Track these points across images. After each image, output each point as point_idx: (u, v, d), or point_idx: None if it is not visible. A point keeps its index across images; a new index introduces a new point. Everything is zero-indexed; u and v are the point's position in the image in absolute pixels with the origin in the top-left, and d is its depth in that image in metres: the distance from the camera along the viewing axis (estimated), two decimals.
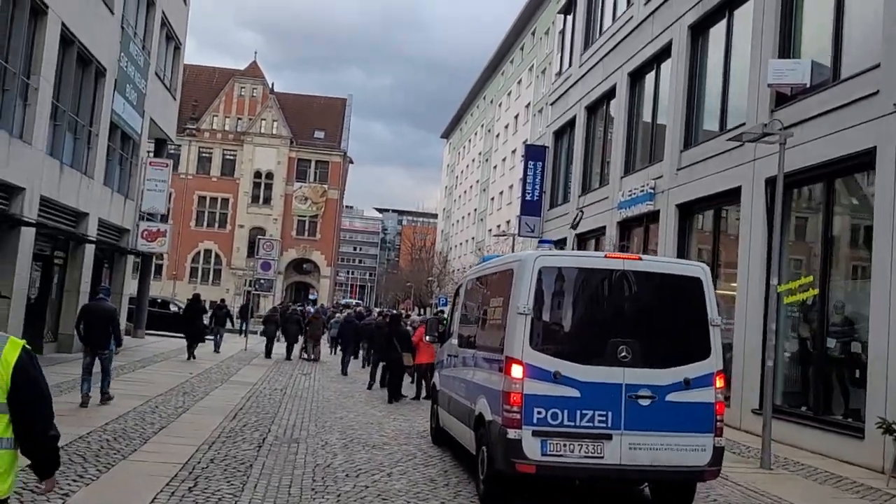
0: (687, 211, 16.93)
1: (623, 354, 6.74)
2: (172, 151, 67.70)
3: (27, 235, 14.77)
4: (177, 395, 13.20)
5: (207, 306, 25.07)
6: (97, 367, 11.49)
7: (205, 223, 66.99)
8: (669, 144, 17.60)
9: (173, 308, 31.18)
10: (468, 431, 8.04)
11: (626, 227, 20.20)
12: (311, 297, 68.24)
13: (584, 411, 6.61)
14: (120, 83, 19.79)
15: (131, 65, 20.49)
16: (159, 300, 32.40)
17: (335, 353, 26.43)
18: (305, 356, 23.68)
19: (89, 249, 18.68)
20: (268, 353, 22.97)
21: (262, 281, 26.26)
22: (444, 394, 9.74)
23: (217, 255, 66.76)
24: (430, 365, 14.40)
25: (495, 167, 64.20)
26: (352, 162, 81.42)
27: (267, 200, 67.15)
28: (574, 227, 17.53)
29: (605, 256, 7.71)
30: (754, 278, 13.47)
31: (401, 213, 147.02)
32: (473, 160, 75.71)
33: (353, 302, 67.39)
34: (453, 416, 9.01)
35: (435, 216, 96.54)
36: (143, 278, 26.54)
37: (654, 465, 6.71)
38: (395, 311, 25.68)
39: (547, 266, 7.03)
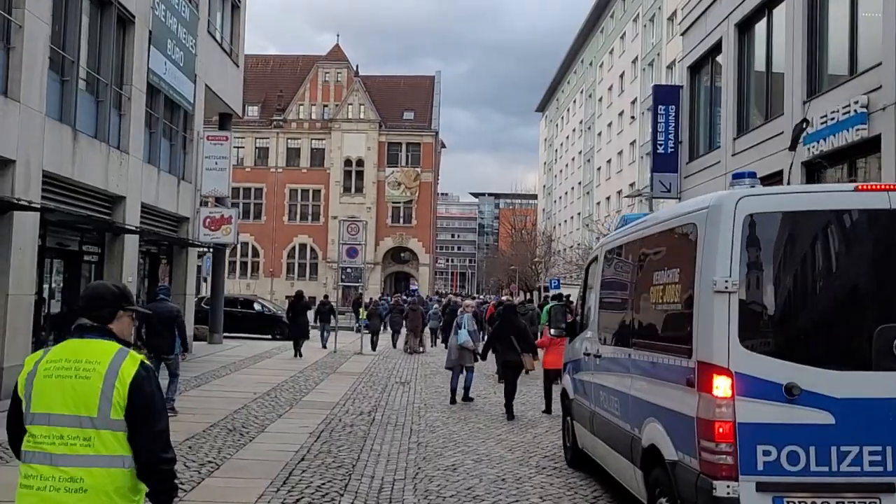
0: None
1: None
2: (260, 146, 66.93)
3: (25, 222, 11.17)
4: (217, 435, 9.21)
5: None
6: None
7: (298, 217, 64.72)
8: (893, 39, 12.35)
9: (257, 307, 27.83)
10: (630, 468, 5.78)
11: (816, 167, 15.03)
12: (412, 287, 65.30)
13: (843, 448, 4.44)
14: (158, 37, 16.11)
15: (172, 16, 16.81)
16: (241, 299, 29.12)
17: (435, 345, 25.68)
18: (409, 350, 23.21)
19: (131, 242, 15.11)
20: (373, 347, 23.30)
21: (348, 270, 22.35)
22: (582, 406, 7.49)
23: (312, 249, 64.31)
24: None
25: (600, 134, 58.86)
26: (444, 146, 77.56)
27: (359, 189, 64.11)
28: (797, 137, 12.30)
29: (857, 189, 4.95)
30: None
31: (497, 195, 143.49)
32: (574, 130, 70.43)
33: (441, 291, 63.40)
34: (600, 438, 6.73)
35: (533, 197, 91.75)
36: (216, 274, 23.19)
37: None
38: (507, 299, 23.49)
39: (758, 212, 4.72)
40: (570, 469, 7.93)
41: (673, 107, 22.83)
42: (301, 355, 19.43)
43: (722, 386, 4.47)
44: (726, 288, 4.53)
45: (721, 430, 4.43)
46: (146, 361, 2.89)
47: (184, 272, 18.72)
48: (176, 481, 2.92)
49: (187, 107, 18.43)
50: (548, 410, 11.62)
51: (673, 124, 22.74)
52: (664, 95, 23.30)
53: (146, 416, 2.80)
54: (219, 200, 20.78)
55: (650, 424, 5.23)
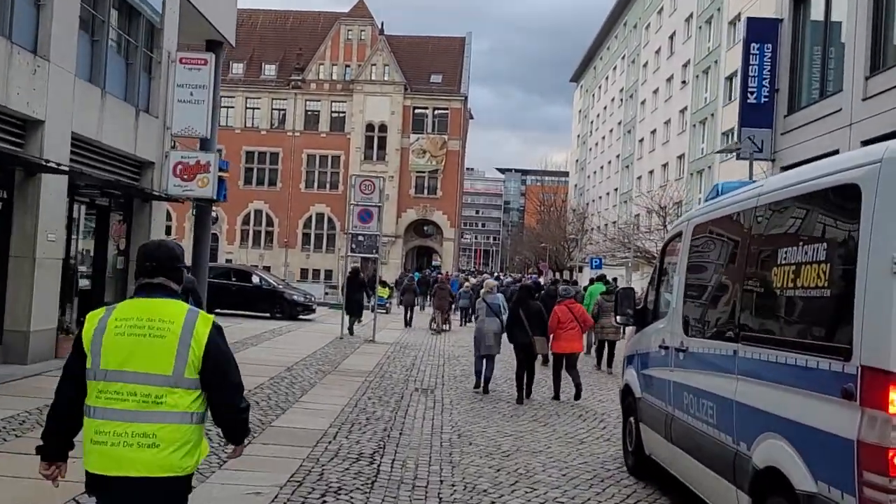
0: None
1: None
2: (277, 108, 62.65)
3: None
4: None
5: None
6: None
7: (315, 184, 60.53)
8: None
9: (255, 280, 23.72)
10: (728, 490, 4.69)
11: None
12: (434, 263, 61.48)
13: None
14: None
15: None
16: (236, 270, 25.01)
17: (465, 325, 24.47)
18: (435, 328, 22.25)
19: (54, 185, 10.93)
20: (408, 323, 23.79)
21: (360, 238, 18.08)
22: (654, 407, 6.48)
23: (330, 219, 60.14)
24: (571, 356, 11.57)
25: (643, 102, 54.06)
26: (472, 117, 72.87)
27: (381, 157, 59.73)
28: None
29: None
30: None
31: (524, 172, 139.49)
32: (613, 99, 65.54)
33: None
34: (682, 448, 5.69)
35: (563, 174, 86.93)
36: (199, 238, 19.01)
37: None
38: (535, 278, 20.38)
39: None
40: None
41: (769, 46, 18.36)
42: (353, 333, 19.15)
43: None
44: None
45: None
46: (216, 321, 2.96)
47: (146, 233, 14.49)
48: (248, 423, 3.14)
49: (152, 17, 14.12)
50: (556, 397, 11.34)
51: (768, 67, 18.29)
52: (759, 31, 18.69)
53: (224, 373, 2.92)
54: (202, 145, 16.53)
55: (769, 441, 4.24)
